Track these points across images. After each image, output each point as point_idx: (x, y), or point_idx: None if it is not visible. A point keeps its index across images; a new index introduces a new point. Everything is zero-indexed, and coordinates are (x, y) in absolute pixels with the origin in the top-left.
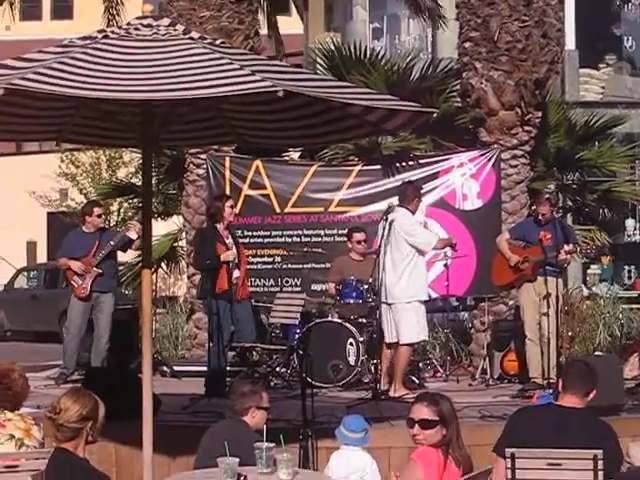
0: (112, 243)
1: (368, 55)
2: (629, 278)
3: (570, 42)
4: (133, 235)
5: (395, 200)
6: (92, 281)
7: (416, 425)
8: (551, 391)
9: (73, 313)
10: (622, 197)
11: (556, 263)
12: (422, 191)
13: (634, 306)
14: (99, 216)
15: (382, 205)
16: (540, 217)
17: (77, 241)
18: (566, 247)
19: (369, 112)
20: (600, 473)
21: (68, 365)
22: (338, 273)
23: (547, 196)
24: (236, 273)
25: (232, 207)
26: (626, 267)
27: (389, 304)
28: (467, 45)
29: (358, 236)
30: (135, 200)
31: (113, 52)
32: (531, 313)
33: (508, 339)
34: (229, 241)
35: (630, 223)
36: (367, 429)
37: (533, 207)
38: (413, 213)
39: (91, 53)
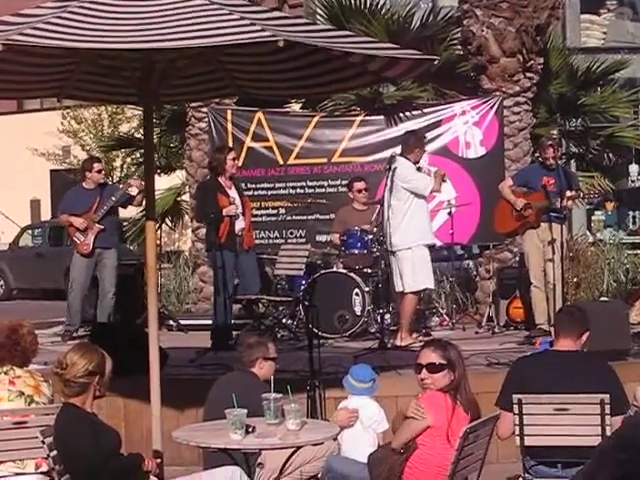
0: (113, 199)
1: (368, 4)
2: (633, 223)
3: None
4: (134, 191)
5: (398, 149)
6: (94, 237)
7: (424, 369)
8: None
9: (76, 270)
10: (625, 142)
11: (560, 209)
12: (425, 140)
13: (639, 251)
14: (99, 172)
15: (385, 154)
16: (548, 162)
17: (78, 197)
18: (568, 193)
19: (370, 61)
20: (607, 417)
21: (73, 322)
22: (342, 223)
23: (550, 142)
24: (241, 224)
25: (234, 159)
26: (630, 213)
27: (393, 252)
28: None
29: (358, 185)
30: (137, 154)
31: (111, 5)
32: (535, 260)
33: (513, 286)
34: (232, 193)
35: (634, 168)
36: (375, 378)
37: (536, 154)
38: (415, 162)
39: (89, 7)
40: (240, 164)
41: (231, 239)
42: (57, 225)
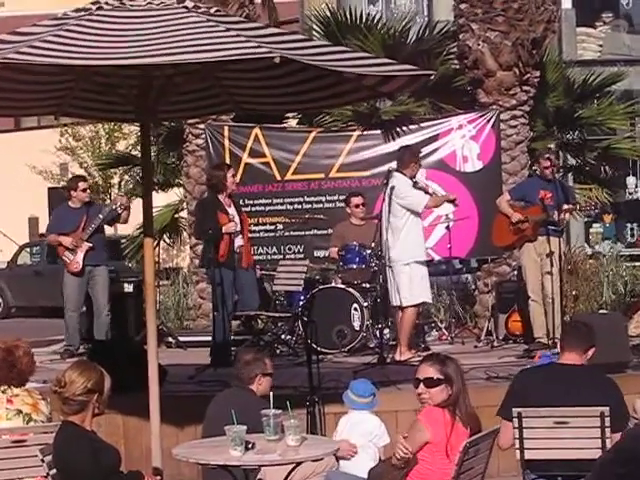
0: (101, 216)
1: (364, 20)
2: (632, 236)
3: (566, 1)
4: (122, 201)
5: (395, 164)
6: (84, 255)
7: (421, 384)
8: (556, 350)
9: (68, 289)
10: (622, 154)
11: (558, 222)
12: (420, 155)
13: (637, 263)
14: (84, 190)
15: (383, 169)
16: (546, 174)
17: (65, 216)
18: (565, 206)
19: (365, 76)
20: (607, 430)
21: (72, 342)
22: (339, 238)
23: (547, 154)
24: (239, 241)
25: (234, 176)
26: (628, 225)
27: (390, 267)
28: (463, 6)
29: (356, 200)
30: (135, 171)
31: (108, 23)
32: (533, 273)
33: (512, 300)
34: (231, 211)
35: (631, 181)
36: (375, 393)
37: (534, 167)
38: (411, 177)
39: (85, 25)
40: (237, 180)
41: (230, 256)
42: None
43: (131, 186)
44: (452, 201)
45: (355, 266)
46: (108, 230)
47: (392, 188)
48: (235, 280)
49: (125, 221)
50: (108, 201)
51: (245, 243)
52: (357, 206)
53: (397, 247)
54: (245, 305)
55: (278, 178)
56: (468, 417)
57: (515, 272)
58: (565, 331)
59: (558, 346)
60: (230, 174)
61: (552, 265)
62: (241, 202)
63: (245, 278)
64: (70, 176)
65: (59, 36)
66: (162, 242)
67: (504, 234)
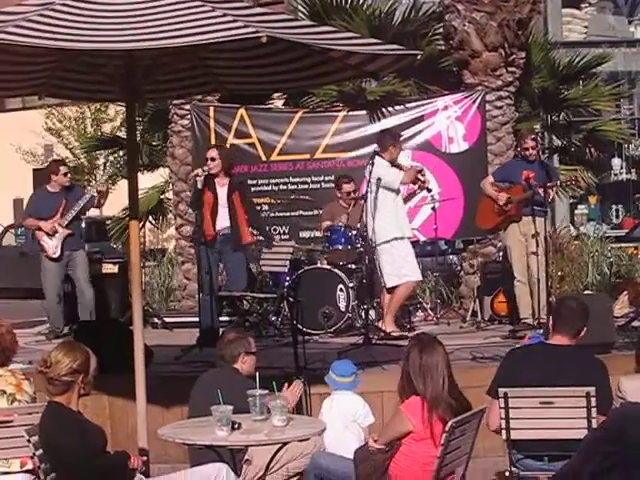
0: (81, 203)
1: (350, 1)
2: (616, 217)
3: None
4: (100, 190)
5: None
6: (62, 241)
7: None
8: (542, 331)
9: (48, 274)
10: (608, 136)
11: (544, 200)
12: (400, 138)
13: (622, 244)
14: (65, 175)
15: (368, 150)
16: (528, 154)
17: (43, 201)
18: (549, 184)
19: (351, 55)
20: (593, 410)
21: (56, 324)
22: (330, 215)
23: (533, 135)
24: (223, 223)
25: (212, 159)
26: (613, 206)
27: (375, 248)
28: None
29: (347, 187)
30: (121, 153)
31: (94, 3)
32: (518, 253)
33: (497, 281)
34: (222, 191)
35: (616, 162)
36: (356, 372)
37: (518, 148)
38: (391, 161)
39: (71, 4)
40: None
41: (213, 237)
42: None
43: (117, 167)
44: (417, 172)
45: (341, 247)
46: (94, 211)
47: (370, 172)
48: (223, 261)
49: (100, 205)
50: (94, 182)
51: (241, 223)
52: (348, 194)
53: (377, 226)
54: (232, 286)
55: (263, 159)
56: (452, 406)
57: (500, 253)
58: (561, 313)
59: (550, 324)
60: (209, 155)
61: (538, 245)
62: None
63: (233, 259)
64: (55, 157)
65: (45, 16)
66: (148, 223)
67: (489, 216)
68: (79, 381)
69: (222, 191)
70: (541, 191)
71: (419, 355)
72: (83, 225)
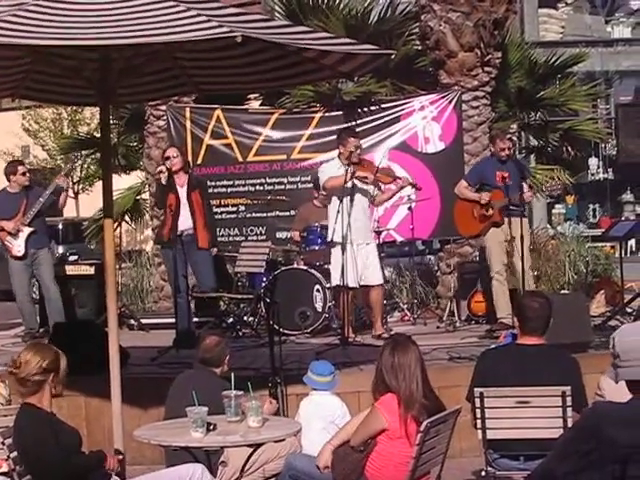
0: (42, 200)
1: (326, 0)
2: (593, 216)
3: None
4: (62, 183)
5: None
6: (26, 239)
7: None
8: (516, 330)
9: (15, 274)
10: (584, 135)
11: (521, 201)
12: (350, 137)
13: (599, 244)
14: (23, 174)
15: None
16: (503, 154)
17: (4, 202)
18: (525, 187)
19: (325, 55)
20: (568, 409)
21: (31, 325)
22: (302, 221)
23: (509, 136)
24: (185, 224)
25: (168, 158)
26: (590, 206)
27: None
28: None
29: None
30: (97, 154)
31: (66, 2)
32: (498, 254)
33: (474, 280)
34: (182, 190)
35: (593, 162)
36: (335, 373)
37: (492, 149)
38: (345, 162)
39: (44, 5)
40: (199, 162)
41: (173, 237)
42: None
43: (93, 169)
44: (399, 178)
45: (317, 247)
46: (70, 212)
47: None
48: (189, 262)
49: (62, 206)
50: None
51: (198, 224)
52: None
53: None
54: (202, 285)
55: (240, 160)
56: (426, 406)
57: (477, 253)
58: (526, 315)
59: (517, 325)
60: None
61: (522, 245)
62: None
63: (199, 258)
64: (32, 158)
65: (18, 16)
66: (124, 225)
67: (470, 223)
68: (50, 380)
69: (182, 191)
70: (517, 197)
71: (392, 353)
72: (60, 227)
